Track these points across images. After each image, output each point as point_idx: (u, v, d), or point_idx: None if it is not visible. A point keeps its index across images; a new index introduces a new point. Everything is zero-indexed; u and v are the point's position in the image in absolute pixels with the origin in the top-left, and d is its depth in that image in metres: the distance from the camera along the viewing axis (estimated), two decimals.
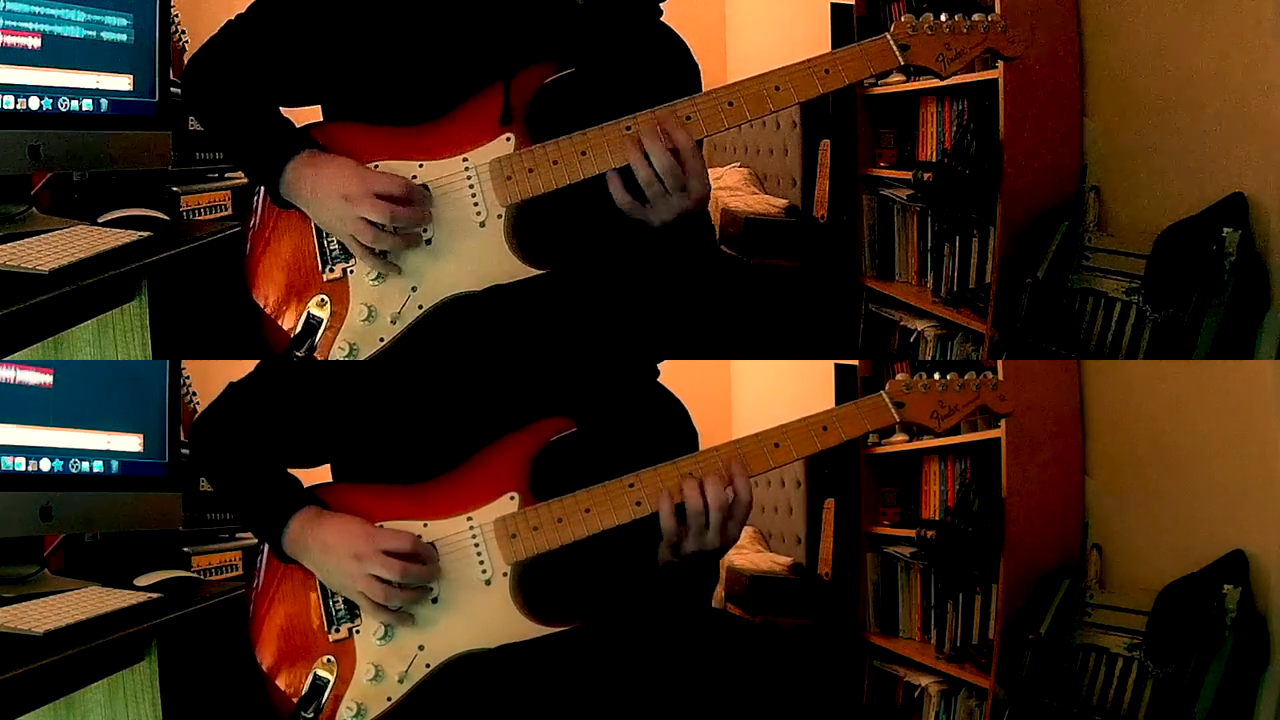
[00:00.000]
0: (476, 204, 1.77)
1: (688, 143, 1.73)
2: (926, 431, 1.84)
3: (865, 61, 1.79)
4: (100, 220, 2.52)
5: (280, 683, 1.81)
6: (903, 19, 1.80)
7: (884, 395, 1.82)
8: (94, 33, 2.43)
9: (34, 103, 2.32)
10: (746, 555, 3.49)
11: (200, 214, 2.79)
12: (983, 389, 1.84)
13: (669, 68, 1.85)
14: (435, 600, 1.76)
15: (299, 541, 1.78)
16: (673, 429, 1.88)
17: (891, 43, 1.79)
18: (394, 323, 1.79)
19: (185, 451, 2.54)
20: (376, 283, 1.79)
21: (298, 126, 1.82)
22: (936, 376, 1.83)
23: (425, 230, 1.77)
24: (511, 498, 1.77)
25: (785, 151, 3.51)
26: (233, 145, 1.90)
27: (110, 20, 2.46)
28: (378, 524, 1.78)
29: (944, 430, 1.83)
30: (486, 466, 1.78)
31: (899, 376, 1.83)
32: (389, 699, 1.76)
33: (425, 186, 1.77)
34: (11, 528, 2.28)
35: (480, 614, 1.76)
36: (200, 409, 2.81)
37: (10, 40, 2.29)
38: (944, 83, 2.41)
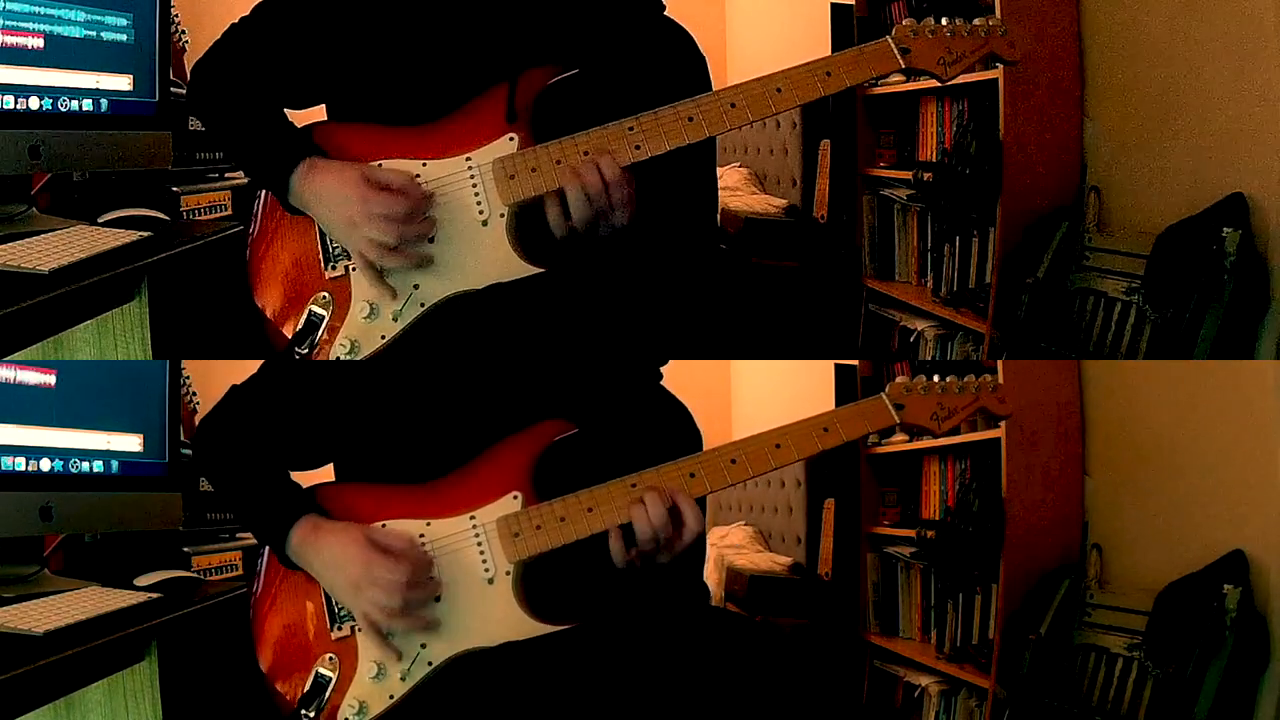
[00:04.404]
0: (479, 203, 1.77)
1: (614, 174, 1.73)
2: (926, 433, 1.85)
3: (866, 64, 1.80)
4: (100, 220, 2.51)
5: (282, 681, 1.81)
6: (904, 22, 1.81)
7: (884, 397, 1.83)
8: (94, 33, 2.43)
9: (34, 103, 2.32)
10: (746, 555, 3.49)
11: (200, 214, 2.79)
12: (982, 391, 1.85)
13: (673, 65, 1.86)
14: (438, 599, 1.76)
15: (300, 554, 1.79)
16: (676, 432, 1.88)
17: (893, 46, 1.80)
18: (396, 320, 1.79)
19: (185, 451, 2.54)
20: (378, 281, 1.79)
21: (301, 127, 1.82)
22: (936, 378, 1.84)
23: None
24: (514, 497, 1.77)
25: (785, 151, 3.51)
26: (238, 155, 1.90)
27: (110, 20, 2.46)
28: (381, 523, 1.78)
29: (944, 432, 1.84)
30: (489, 466, 1.79)
31: (899, 379, 1.84)
32: (391, 697, 1.77)
33: (427, 191, 1.77)
34: (11, 528, 2.28)
35: (483, 613, 1.76)
36: (201, 409, 2.82)
37: (10, 40, 2.28)
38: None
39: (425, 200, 1.76)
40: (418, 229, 1.75)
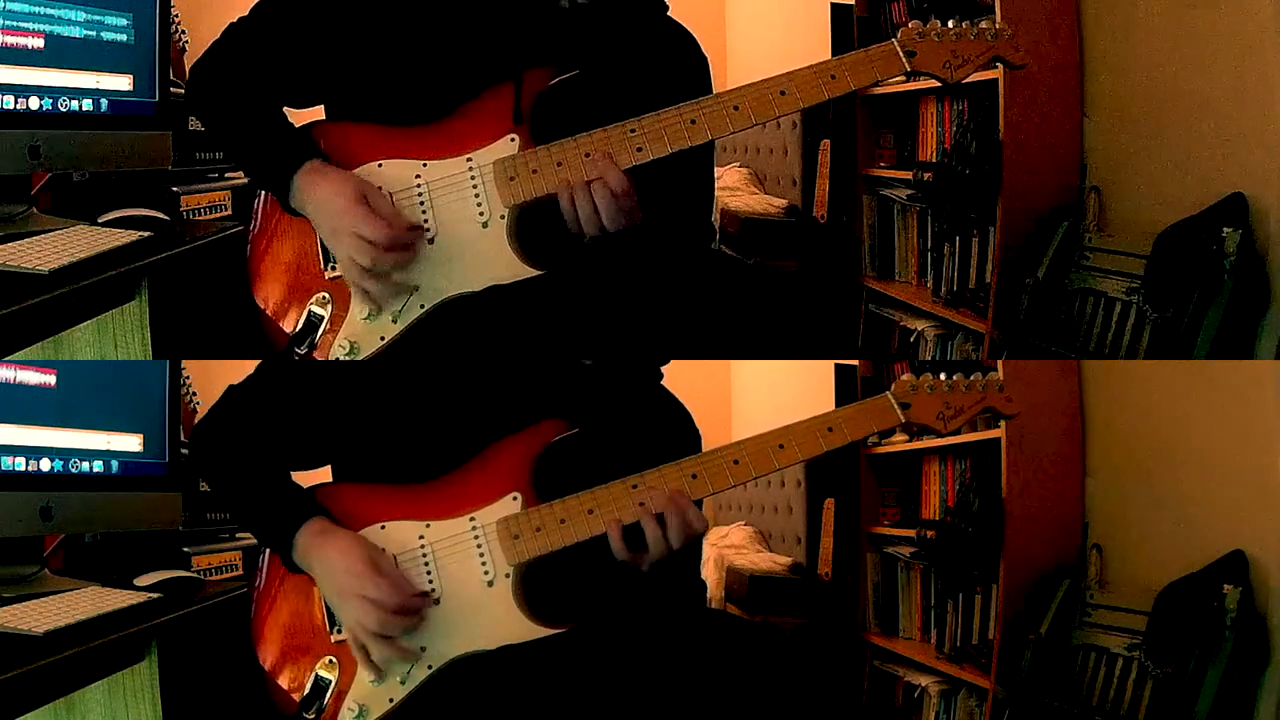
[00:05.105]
0: (480, 204, 1.77)
1: (621, 187, 1.73)
2: (931, 432, 1.84)
3: (872, 67, 1.79)
4: (100, 220, 2.51)
5: (282, 683, 1.81)
6: (909, 25, 1.80)
7: (889, 396, 1.82)
8: (94, 33, 2.43)
9: (34, 103, 2.32)
10: (746, 555, 3.49)
11: (200, 214, 2.79)
12: (989, 390, 1.83)
13: (676, 66, 1.85)
14: (438, 601, 1.76)
15: (305, 558, 1.78)
16: (676, 432, 1.88)
17: (898, 48, 1.79)
18: (395, 321, 1.79)
19: (185, 451, 2.54)
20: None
21: (301, 127, 1.82)
22: (942, 377, 1.82)
23: (428, 230, 1.77)
24: (514, 498, 1.77)
25: (785, 151, 3.51)
26: (238, 155, 1.90)
27: (110, 20, 2.46)
28: (380, 524, 1.78)
29: (950, 431, 1.82)
30: (489, 467, 1.78)
31: (904, 377, 1.82)
32: (391, 700, 1.76)
33: (414, 225, 1.76)
34: (11, 528, 2.28)
35: (483, 615, 1.76)
36: (200, 409, 2.82)
37: (11, 40, 2.28)
38: None
39: (408, 233, 1.76)
40: (394, 258, 1.75)
